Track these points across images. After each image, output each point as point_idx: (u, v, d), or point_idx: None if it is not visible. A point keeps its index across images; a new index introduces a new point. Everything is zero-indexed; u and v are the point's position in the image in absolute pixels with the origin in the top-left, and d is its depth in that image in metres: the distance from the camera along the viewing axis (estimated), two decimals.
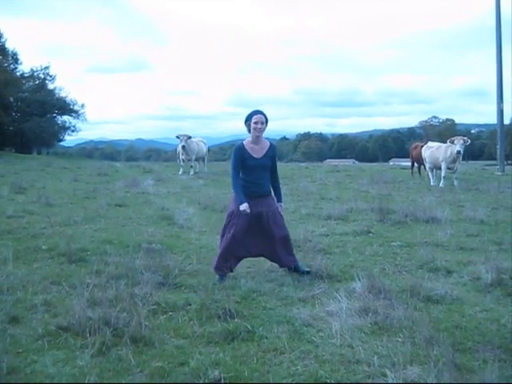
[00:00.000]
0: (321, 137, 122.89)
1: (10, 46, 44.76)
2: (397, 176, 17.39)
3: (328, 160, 67.18)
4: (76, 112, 48.13)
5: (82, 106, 48.48)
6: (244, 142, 5.27)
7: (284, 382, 3.07)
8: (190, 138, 18.43)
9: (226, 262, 5.22)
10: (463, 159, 16.97)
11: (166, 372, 3.15)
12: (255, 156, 5.20)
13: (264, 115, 5.22)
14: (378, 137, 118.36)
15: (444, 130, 77.52)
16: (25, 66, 52.59)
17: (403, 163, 30.19)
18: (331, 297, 4.48)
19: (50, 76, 47.85)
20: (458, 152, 14.25)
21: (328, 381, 3.06)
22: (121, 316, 3.83)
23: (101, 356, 3.36)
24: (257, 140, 5.23)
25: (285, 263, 5.33)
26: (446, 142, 15.17)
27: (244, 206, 5.05)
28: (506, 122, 44.33)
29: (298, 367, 3.23)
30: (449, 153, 14.64)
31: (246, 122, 5.27)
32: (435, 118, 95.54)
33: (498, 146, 22.30)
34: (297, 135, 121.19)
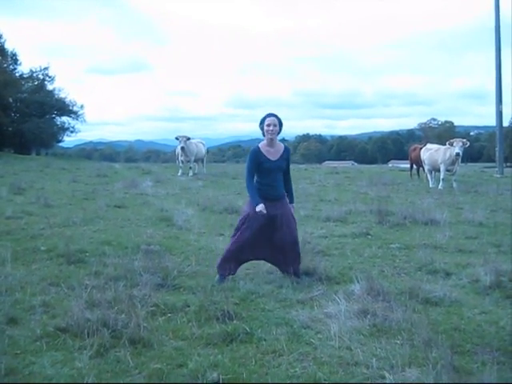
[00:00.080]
0: (320, 138, 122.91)
1: (9, 46, 44.75)
2: (396, 178, 17.40)
3: (327, 162, 67.15)
4: (75, 113, 48.10)
5: (82, 106, 48.49)
6: (259, 145, 5.28)
7: (282, 383, 3.07)
8: (189, 139, 18.43)
9: (229, 262, 5.24)
10: (462, 161, 17.00)
11: (164, 373, 3.15)
12: (271, 158, 5.21)
13: (277, 118, 5.24)
14: (377, 139, 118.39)
15: (443, 132, 77.55)
16: (24, 67, 52.54)
17: (402, 165, 30.19)
18: (330, 299, 4.47)
19: (50, 77, 47.84)
20: (457, 154, 14.27)
21: (326, 383, 3.06)
22: (119, 317, 3.83)
23: (99, 357, 3.36)
24: (271, 143, 5.24)
25: (288, 270, 5.30)
26: (445, 144, 15.20)
27: (260, 207, 5.05)
28: (505, 124, 44.37)
29: (297, 369, 3.23)
30: (448, 155, 14.65)
31: (260, 125, 5.28)
32: (434, 120, 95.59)
33: (496, 148, 22.31)
34: (296, 137, 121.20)
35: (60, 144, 57.14)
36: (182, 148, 18.06)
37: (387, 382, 3.04)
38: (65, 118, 48.90)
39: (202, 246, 6.74)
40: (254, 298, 4.60)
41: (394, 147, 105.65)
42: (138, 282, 4.89)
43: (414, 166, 18.26)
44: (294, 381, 3.10)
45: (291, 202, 5.49)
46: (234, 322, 3.97)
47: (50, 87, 48.00)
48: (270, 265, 5.55)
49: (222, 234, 7.54)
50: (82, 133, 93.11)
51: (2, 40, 42.74)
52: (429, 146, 16.59)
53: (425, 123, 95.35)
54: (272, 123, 5.16)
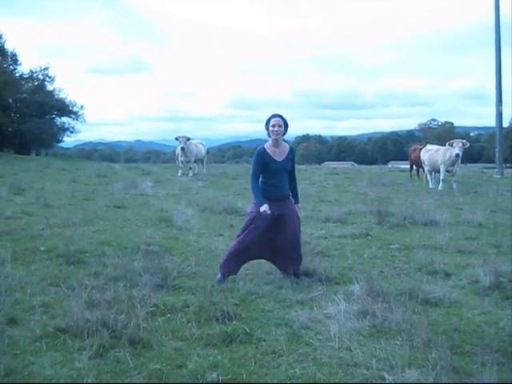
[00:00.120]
0: (320, 139, 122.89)
1: (9, 46, 44.74)
2: (396, 179, 17.40)
3: (327, 162, 67.17)
4: (75, 113, 48.10)
5: (81, 107, 48.48)
6: (265, 146, 5.29)
7: None
8: (188, 139, 18.43)
9: (233, 262, 5.25)
10: (462, 162, 17.00)
11: (163, 374, 3.15)
12: (277, 159, 5.23)
13: (282, 118, 5.25)
14: (377, 139, 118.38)
15: (443, 133, 77.51)
16: (24, 67, 52.53)
17: (402, 166, 30.20)
18: (329, 299, 4.47)
19: (50, 77, 47.83)
20: (457, 155, 14.27)
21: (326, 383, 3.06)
22: (119, 318, 3.83)
23: (99, 358, 3.36)
24: (276, 143, 5.25)
25: (288, 270, 5.30)
26: (444, 145, 15.20)
27: (264, 207, 5.06)
28: (505, 124, 44.38)
29: (296, 370, 3.23)
30: (448, 156, 14.66)
31: (265, 125, 5.30)
32: (434, 120, 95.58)
33: (496, 149, 22.32)
34: (296, 137, 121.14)
35: (60, 144, 57.16)
36: (182, 148, 18.06)
37: (387, 382, 3.04)
38: (65, 119, 48.93)
39: (201, 247, 6.74)
40: (253, 299, 4.60)
41: (393, 148, 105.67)
42: (138, 282, 4.89)
43: (414, 167, 18.26)
44: (294, 381, 3.10)
45: (297, 202, 5.51)
46: (234, 322, 3.97)
47: (49, 87, 48.04)
48: (269, 265, 5.55)
49: (222, 235, 7.54)
50: (81, 133, 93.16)
51: (2, 40, 42.78)
52: (429, 146, 16.59)
53: (425, 124, 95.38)
54: (277, 124, 5.17)
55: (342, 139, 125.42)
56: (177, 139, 18.35)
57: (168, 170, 21.09)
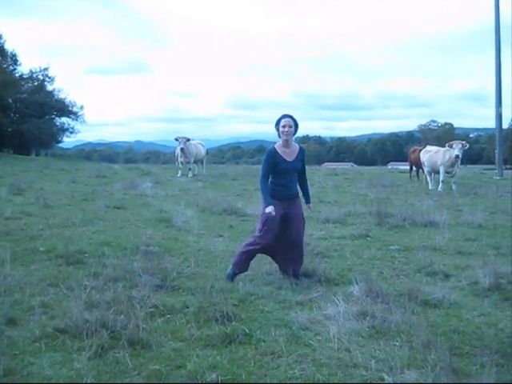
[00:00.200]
0: (319, 140, 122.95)
1: (9, 47, 44.80)
2: (395, 180, 17.40)
3: (326, 163, 67.24)
4: (75, 114, 48.13)
5: (81, 107, 48.52)
6: (275, 146, 5.31)
7: None
8: (188, 140, 18.43)
9: (247, 260, 5.30)
10: (462, 163, 17.02)
11: (163, 375, 3.15)
12: (288, 159, 5.25)
13: (293, 119, 5.27)
14: (377, 140, 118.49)
15: (443, 134, 77.56)
16: (24, 67, 52.60)
17: (401, 167, 30.24)
18: (329, 300, 4.47)
19: (49, 77, 47.88)
20: (457, 156, 14.28)
21: None
22: (118, 318, 3.83)
23: (98, 358, 3.36)
24: (287, 143, 5.28)
25: (288, 270, 5.31)
26: (444, 146, 15.20)
27: (270, 209, 5.08)
28: (505, 126, 44.46)
29: (296, 371, 3.23)
30: (447, 157, 14.66)
31: (275, 126, 5.32)
32: (434, 121, 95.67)
33: (496, 151, 22.33)
34: (295, 138, 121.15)
35: (59, 145, 57.19)
36: (182, 149, 18.06)
37: (386, 383, 3.04)
38: (64, 119, 48.98)
39: (201, 248, 6.74)
40: (253, 300, 4.60)
41: (393, 149, 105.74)
42: (137, 283, 4.89)
43: (414, 168, 18.27)
44: (293, 382, 3.10)
45: (308, 202, 5.60)
46: (233, 323, 3.97)
47: (49, 88, 48.09)
48: (269, 266, 5.55)
49: (222, 236, 7.54)
50: (81, 133, 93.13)
51: (2, 40, 42.84)
52: (428, 147, 16.59)
53: (424, 125, 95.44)
54: (287, 124, 5.19)
55: (341, 140, 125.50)
56: (176, 140, 18.36)
57: (168, 171, 21.10)
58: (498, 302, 4.62)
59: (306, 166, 5.63)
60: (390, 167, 40.82)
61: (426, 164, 15.76)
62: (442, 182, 14.79)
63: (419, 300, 4.52)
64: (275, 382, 3.09)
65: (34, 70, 47.12)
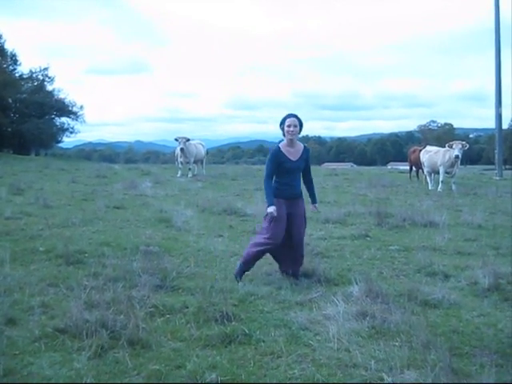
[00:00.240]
0: (319, 140, 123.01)
1: (8, 46, 44.74)
2: (395, 180, 17.40)
3: (326, 163, 67.26)
4: (75, 113, 48.08)
5: (81, 107, 48.46)
6: (280, 146, 5.33)
7: None
8: (188, 140, 18.43)
9: (257, 259, 5.32)
10: (461, 164, 17.01)
11: (162, 375, 3.15)
12: (292, 159, 5.28)
13: (297, 118, 5.28)
14: (377, 140, 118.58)
15: (442, 135, 77.56)
16: (24, 67, 52.57)
17: (401, 167, 30.25)
18: (328, 300, 4.48)
19: (49, 77, 47.82)
20: (457, 156, 14.28)
21: None
22: (118, 318, 3.83)
23: (98, 358, 3.36)
24: (291, 143, 5.29)
25: (288, 270, 5.33)
26: (444, 147, 15.20)
27: (271, 209, 5.11)
28: (505, 126, 44.48)
29: (295, 371, 3.23)
30: (447, 157, 14.67)
31: (280, 125, 5.33)
32: (434, 122, 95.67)
33: (496, 151, 22.35)
34: None
35: (59, 145, 57.14)
36: (182, 149, 18.06)
37: (385, 383, 3.04)
38: (64, 119, 48.91)
39: (201, 248, 6.74)
40: (252, 300, 4.60)
41: (393, 149, 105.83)
42: (137, 283, 4.89)
43: (414, 168, 18.27)
44: (293, 382, 3.10)
45: (314, 202, 5.63)
46: (233, 323, 3.97)
47: (49, 88, 48.02)
48: (268, 266, 5.55)
49: (221, 236, 7.54)
50: (81, 133, 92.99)
51: (2, 40, 42.77)
52: (428, 148, 16.59)
53: (424, 125, 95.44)
54: (292, 124, 5.21)
55: (341, 140, 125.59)
56: (176, 140, 18.35)
57: (167, 171, 21.09)
58: (497, 303, 4.62)
59: None
60: (389, 167, 40.87)
61: (425, 164, 15.77)
62: (442, 182, 14.79)
63: (419, 300, 4.53)
64: (275, 382, 3.10)
65: (33, 70, 47.12)
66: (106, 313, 3.87)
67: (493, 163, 25.19)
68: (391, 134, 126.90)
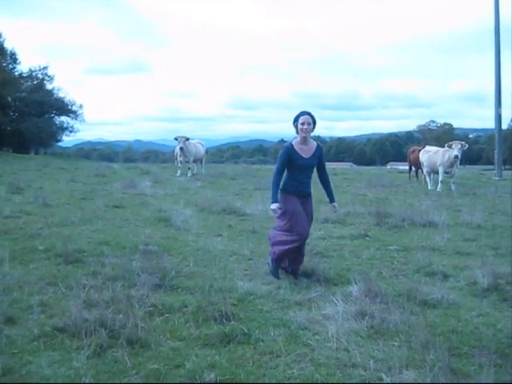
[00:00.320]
0: (319, 140, 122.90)
1: (8, 45, 44.72)
2: (394, 180, 17.40)
3: (326, 163, 67.24)
4: (74, 112, 48.10)
5: (81, 106, 48.50)
6: (293, 143, 5.34)
7: None
8: (188, 139, 18.42)
9: (285, 257, 5.32)
10: (461, 164, 17.02)
11: (161, 374, 3.15)
12: (304, 156, 5.29)
13: (311, 116, 5.28)
14: (376, 140, 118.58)
15: (442, 135, 77.56)
16: (23, 66, 52.61)
17: (401, 167, 30.27)
18: (328, 300, 4.48)
19: (49, 76, 47.84)
20: (456, 156, 14.28)
21: None
22: (117, 318, 3.83)
23: (96, 357, 3.36)
24: (305, 140, 5.30)
25: (287, 268, 5.37)
26: (443, 147, 15.21)
27: (274, 206, 5.15)
28: (504, 126, 44.49)
29: (294, 370, 3.23)
30: (446, 157, 14.67)
31: (293, 123, 5.35)
32: (433, 122, 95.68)
33: (495, 151, 22.37)
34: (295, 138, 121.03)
35: (59, 143, 57.20)
36: (181, 148, 18.05)
37: (384, 383, 3.04)
38: (64, 118, 48.96)
39: (200, 247, 6.73)
40: (251, 299, 4.60)
41: (392, 149, 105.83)
42: (136, 282, 4.89)
43: (413, 168, 18.28)
44: (292, 382, 3.10)
45: (332, 201, 5.68)
46: (232, 322, 3.97)
47: (49, 87, 48.05)
48: (268, 266, 5.55)
49: (221, 235, 7.54)
50: (80, 132, 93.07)
51: (2, 39, 42.77)
52: (428, 148, 16.59)
53: (424, 125, 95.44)
54: (306, 121, 5.21)
55: (341, 140, 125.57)
56: (176, 139, 18.35)
57: (167, 170, 21.08)
58: (496, 303, 4.63)
59: None
60: (389, 167, 40.89)
61: (425, 164, 15.77)
62: (441, 182, 14.80)
63: (418, 300, 4.53)
64: (274, 381, 3.10)
65: (33, 69, 47.13)
66: (105, 312, 3.87)
67: (492, 163, 25.21)
68: (391, 134, 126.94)
